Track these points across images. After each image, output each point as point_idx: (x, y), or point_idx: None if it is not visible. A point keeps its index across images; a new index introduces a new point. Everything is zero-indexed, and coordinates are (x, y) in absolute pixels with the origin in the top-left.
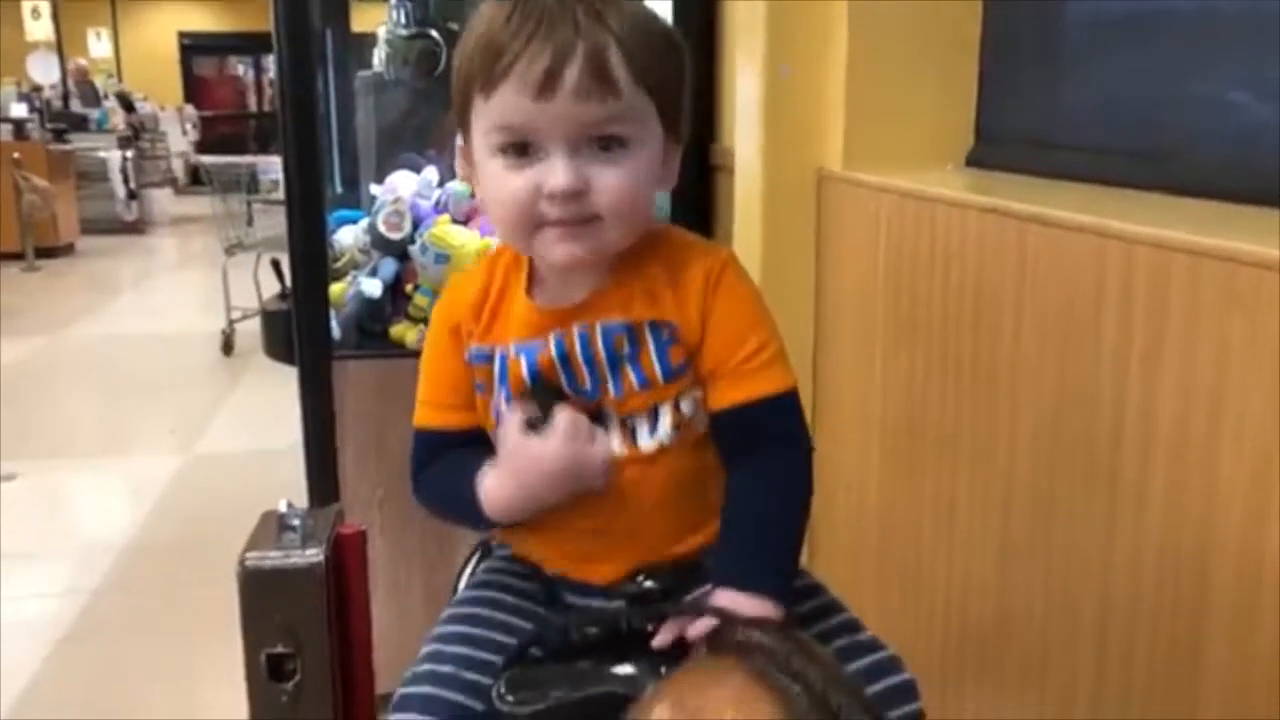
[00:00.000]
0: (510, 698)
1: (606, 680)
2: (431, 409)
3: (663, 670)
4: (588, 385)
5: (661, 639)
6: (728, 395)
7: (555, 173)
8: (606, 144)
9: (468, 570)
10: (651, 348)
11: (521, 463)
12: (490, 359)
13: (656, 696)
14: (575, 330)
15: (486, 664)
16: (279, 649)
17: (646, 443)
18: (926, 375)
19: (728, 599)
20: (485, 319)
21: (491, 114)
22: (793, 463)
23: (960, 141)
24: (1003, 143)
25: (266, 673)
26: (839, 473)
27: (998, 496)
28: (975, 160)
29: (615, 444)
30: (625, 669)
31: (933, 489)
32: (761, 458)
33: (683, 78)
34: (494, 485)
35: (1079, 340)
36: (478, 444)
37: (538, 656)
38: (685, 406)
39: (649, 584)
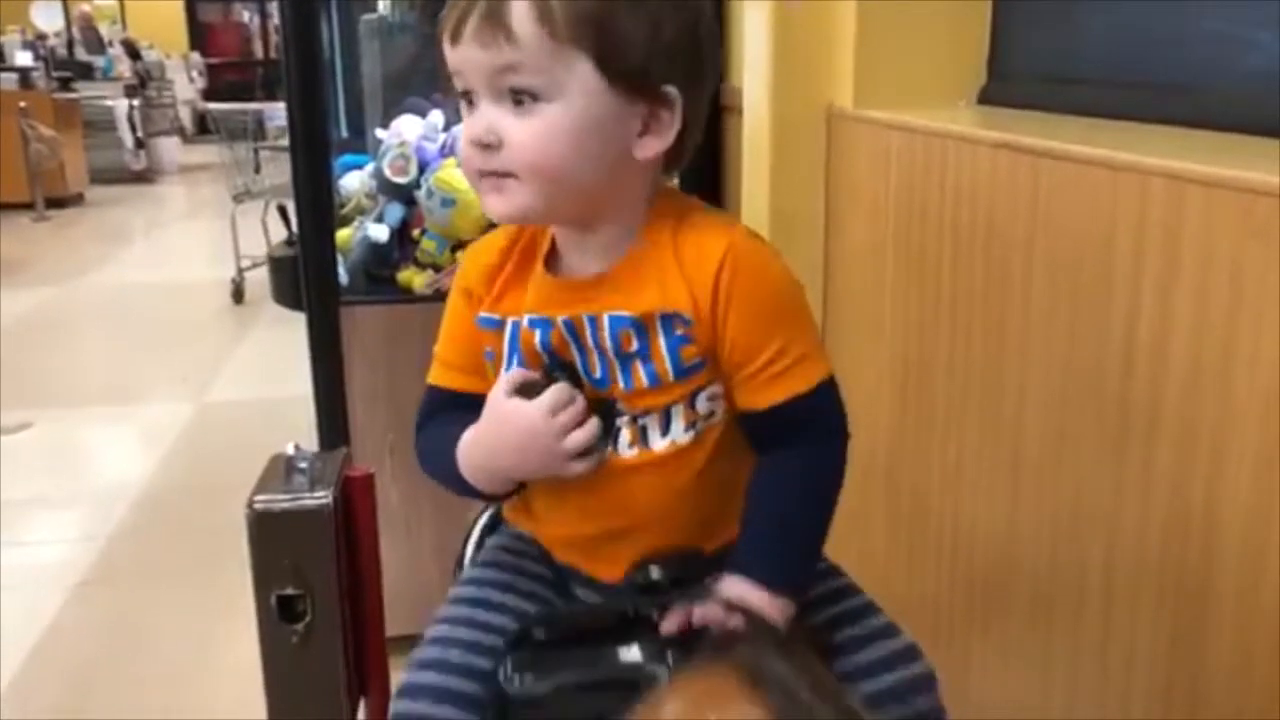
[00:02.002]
0: (517, 678)
1: (612, 666)
2: (441, 366)
3: (668, 656)
4: (598, 373)
5: (669, 625)
6: (754, 399)
7: (474, 121)
8: (519, 97)
9: (473, 537)
10: (662, 343)
11: (495, 420)
12: (500, 326)
13: (667, 701)
14: (584, 316)
15: (495, 650)
16: (289, 590)
17: (659, 444)
18: (936, 313)
19: (738, 589)
20: (499, 287)
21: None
22: (826, 455)
23: (972, 78)
24: (1015, 79)
25: (277, 613)
26: (848, 410)
27: (1008, 435)
28: (987, 97)
29: (625, 444)
30: (631, 655)
31: (942, 428)
32: (794, 451)
33: (647, 29)
34: (469, 437)
35: (1092, 275)
36: (479, 410)
37: (542, 640)
38: (701, 405)
39: (657, 575)
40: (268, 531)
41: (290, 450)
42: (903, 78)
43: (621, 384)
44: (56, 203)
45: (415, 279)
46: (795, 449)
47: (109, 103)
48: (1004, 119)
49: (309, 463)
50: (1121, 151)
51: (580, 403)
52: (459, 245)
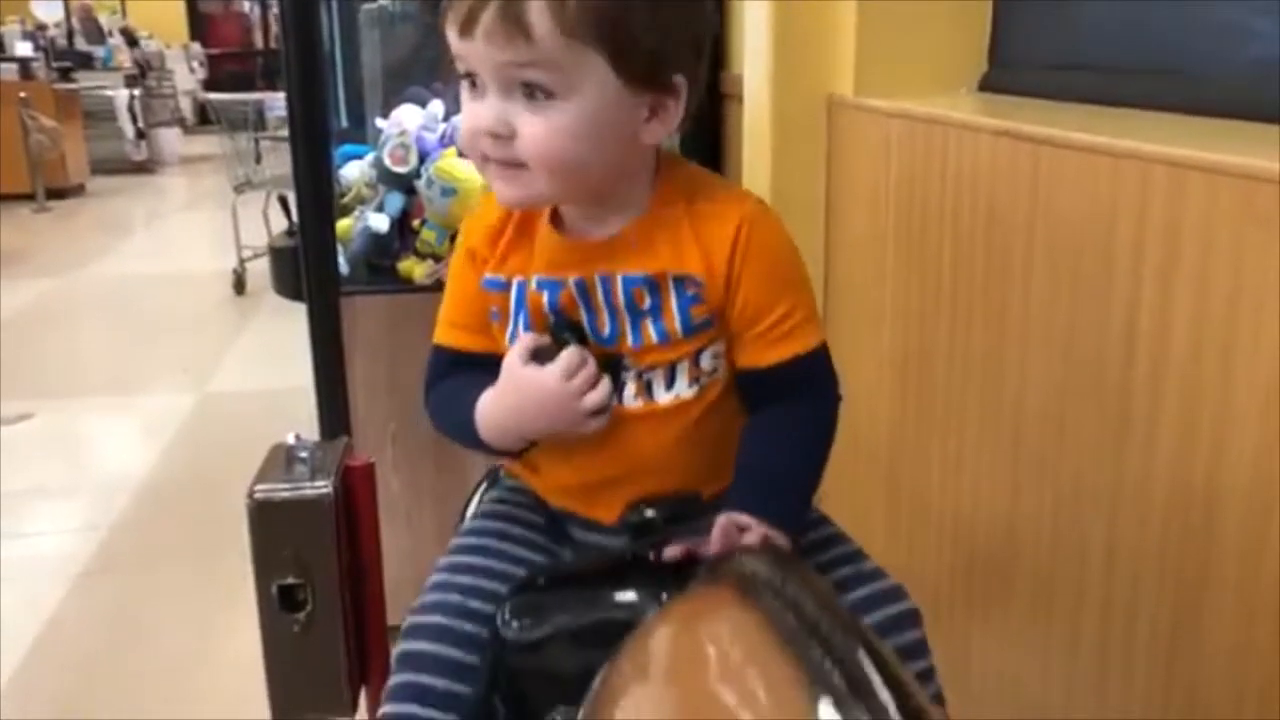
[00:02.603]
0: (514, 624)
1: (608, 607)
2: (447, 326)
3: (664, 596)
4: (606, 331)
5: (669, 553)
6: (756, 358)
7: (483, 110)
8: (530, 91)
9: (474, 501)
10: (674, 302)
11: (512, 385)
12: (506, 288)
13: (655, 626)
14: (597, 276)
15: (494, 594)
16: (290, 580)
17: (663, 398)
18: (937, 301)
19: (737, 520)
20: (502, 248)
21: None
22: (819, 412)
23: (973, 66)
24: (1016, 66)
25: (278, 603)
26: (848, 400)
27: (1008, 423)
28: (988, 85)
29: (630, 396)
30: (627, 595)
31: (942, 415)
32: (787, 405)
33: (661, 26)
34: (486, 402)
35: (1092, 263)
36: (490, 369)
37: (541, 584)
38: (705, 362)
39: (650, 513)
40: (268, 521)
41: (290, 440)
42: (903, 65)
43: (630, 340)
44: (57, 193)
45: (415, 269)
46: (788, 404)
47: (109, 93)
48: (1005, 106)
49: (309, 452)
50: (1123, 138)
51: (592, 365)
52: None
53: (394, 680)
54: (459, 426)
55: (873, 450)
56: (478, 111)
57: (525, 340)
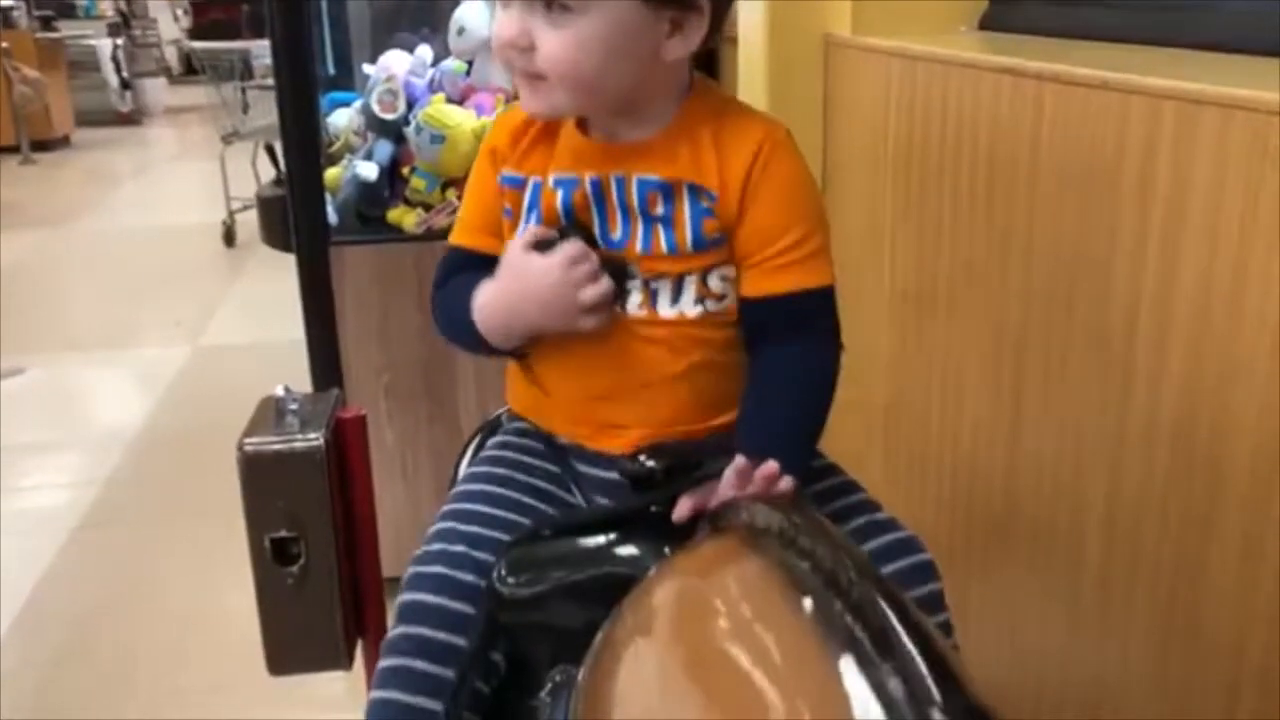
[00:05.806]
0: (510, 579)
1: (609, 560)
2: (461, 227)
3: (666, 550)
4: (617, 234)
5: (680, 511)
6: (762, 285)
7: (507, 21)
8: (549, 3)
9: (469, 451)
10: (686, 211)
11: (511, 272)
12: (522, 185)
13: (659, 580)
14: (612, 176)
15: (498, 544)
16: (282, 533)
17: (666, 311)
18: (937, 244)
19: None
20: (524, 146)
21: None
22: (823, 356)
23: (973, 3)
24: (1018, 3)
25: (271, 556)
26: (847, 345)
27: (1009, 367)
28: (989, 22)
29: (634, 305)
30: (628, 549)
31: (942, 360)
32: (791, 347)
33: None
34: (484, 290)
35: (1098, 205)
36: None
37: (540, 536)
38: (714, 283)
39: (650, 463)
40: (259, 474)
41: (280, 392)
42: (902, 3)
43: (640, 246)
44: (42, 146)
45: (406, 217)
46: (791, 345)
47: (92, 42)
48: (1006, 44)
49: (299, 404)
50: (1131, 74)
51: (594, 259)
52: (449, 183)
53: (394, 632)
54: (457, 323)
55: (871, 395)
56: (503, 21)
57: (530, 230)
